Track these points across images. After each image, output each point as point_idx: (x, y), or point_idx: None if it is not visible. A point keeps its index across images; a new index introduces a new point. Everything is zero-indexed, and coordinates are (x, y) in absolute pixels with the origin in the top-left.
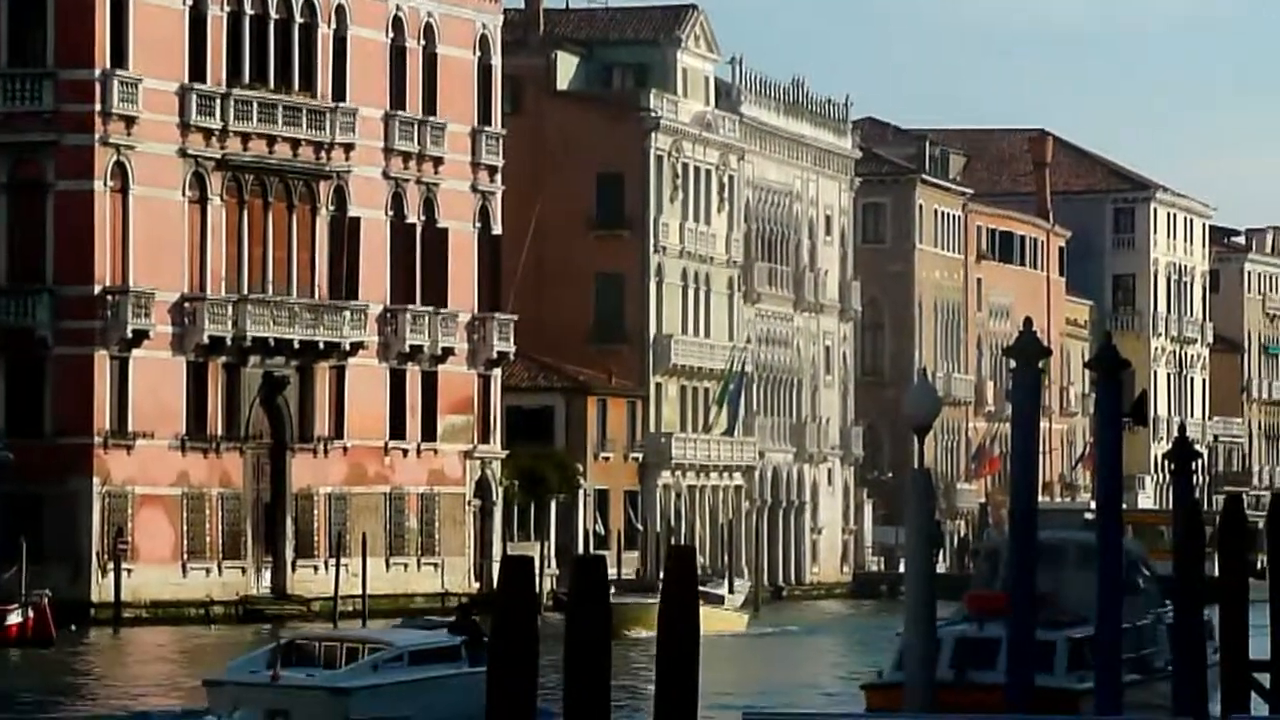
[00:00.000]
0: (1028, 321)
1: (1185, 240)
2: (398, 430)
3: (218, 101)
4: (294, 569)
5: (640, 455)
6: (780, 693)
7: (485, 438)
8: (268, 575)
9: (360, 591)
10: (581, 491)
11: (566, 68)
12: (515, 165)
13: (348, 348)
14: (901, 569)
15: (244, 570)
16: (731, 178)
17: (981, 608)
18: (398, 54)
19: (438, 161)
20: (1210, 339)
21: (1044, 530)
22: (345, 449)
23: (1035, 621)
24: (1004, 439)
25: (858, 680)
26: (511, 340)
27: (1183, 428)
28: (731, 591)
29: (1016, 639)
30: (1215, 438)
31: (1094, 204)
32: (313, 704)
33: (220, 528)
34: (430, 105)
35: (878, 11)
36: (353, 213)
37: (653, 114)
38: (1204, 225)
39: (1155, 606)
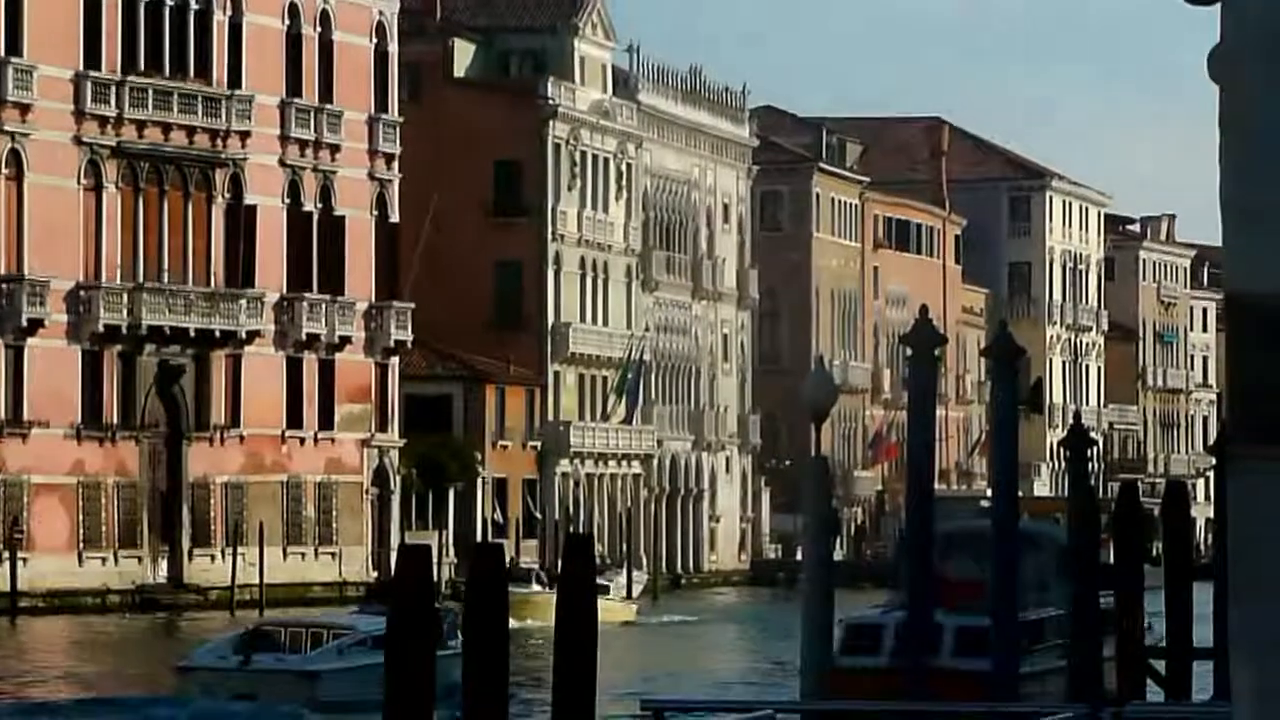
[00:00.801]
0: (924, 309)
1: (1081, 228)
2: (295, 419)
3: (113, 89)
4: (191, 558)
5: (539, 444)
6: (678, 680)
7: (383, 426)
8: (164, 564)
9: (257, 581)
10: (480, 480)
11: (464, 55)
12: (413, 153)
13: (244, 336)
14: (799, 557)
15: (140, 560)
16: (629, 166)
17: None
18: (294, 41)
19: (334, 149)
20: (1105, 327)
21: (978, 520)
22: (242, 438)
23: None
24: (901, 427)
25: (761, 667)
26: (409, 328)
27: (1078, 415)
28: (629, 581)
29: (912, 625)
30: (1110, 425)
31: (990, 193)
32: (282, 687)
33: (116, 517)
34: (327, 93)
35: (775, 0)
36: (249, 200)
37: (550, 102)
38: (1099, 214)
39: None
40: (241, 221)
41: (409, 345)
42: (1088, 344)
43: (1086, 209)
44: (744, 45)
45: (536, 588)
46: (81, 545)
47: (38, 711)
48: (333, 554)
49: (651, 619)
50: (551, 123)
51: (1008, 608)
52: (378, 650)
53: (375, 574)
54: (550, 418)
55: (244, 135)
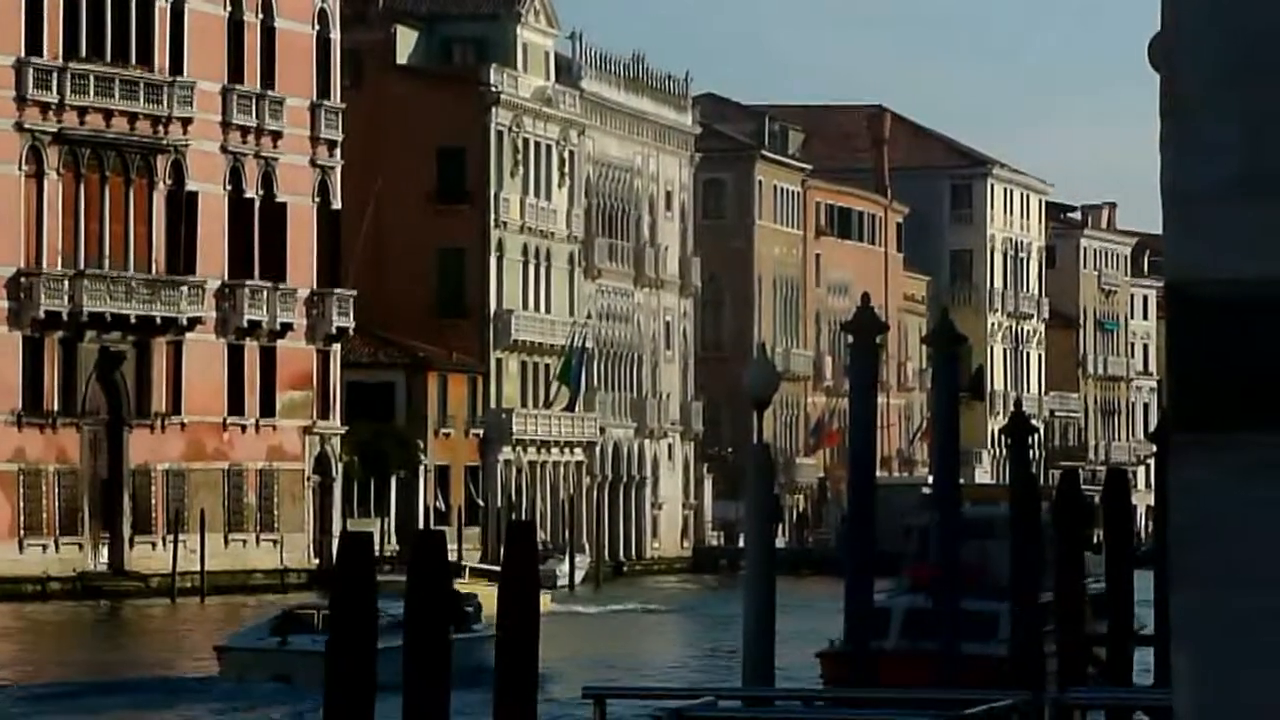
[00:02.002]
0: (865, 297)
1: (1022, 216)
2: (236, 406)
3: (54, 75)
4: (132, 545)
5: (481, 431)
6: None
7: (325, 414)
8: (105, 552)
9: (199, 568)
10: (422, 468)
11: (406, 42)
12: (355, 140)
13: (185, 323)
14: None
15: (81, 547)
16: (572, 153)
17: (925, 580)
18: (236, 28)
19: (276, 136)
20: (1046, 314)
21: (972, 507)
22: (183, 425)
23: (978, 593)
24: (843, 414)
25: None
26: (351, 316)
27: (1019, 403)
28: (572, 568)
29: (850, 609)
30: (1051, 413)
31: (932, 180)
32: (317, 667)
33: (57, 504)
34: (269, 79)
35: None
36: (190, 187)
37: (493, 89)
38: (1040, 201)
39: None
40: (183, 208)
41: (351, 332)
42: (1029, 331)
43: (1028, 197)
44: (688, 33)
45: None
46: (22, 532)
47: (59, 694)
48: (274, 541)
49: (578, 608)
50: (494, 110)
51: (950, 595)
52: None
53: (317, 561)
54: (493, 405)
55: (185, 122)
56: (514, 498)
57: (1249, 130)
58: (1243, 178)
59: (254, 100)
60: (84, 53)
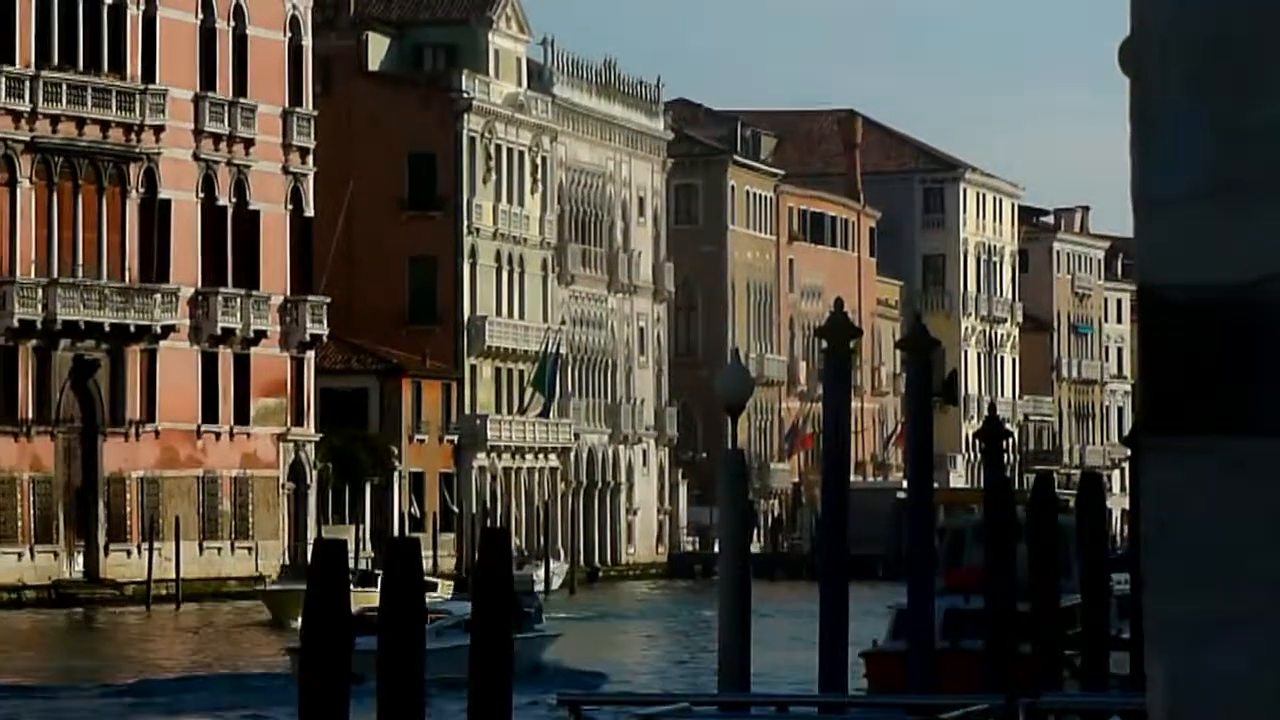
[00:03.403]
0: (839, 302)
1: (994, 220)
2: (210, 414)
3: (26, 84)
4: (106, 553)
5: (455, 437)
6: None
7: (299, 420)
8: (80, 559)
9: (174, 575)
10: (396, 474)
11: (377, 48)
12: (327, 147)
13: (159, 331)
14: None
15: (56, 555)
16: (544, 159)
17: (961, 583)
18: (208, 35)
19: (248, 143)
20: (1020, 318)
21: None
22: (157, 433)
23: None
24: (816, 419)
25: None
26: (325, 322)
27: (993, 407)
28: (547, 574)
29: (823, 611)
30: (1026, 417)
31: (904, 184)
32: None
33: (32, 512)
34: (241, 87)
35: None
36: (163, 195)
37: (464, 95)
38: (1013, 205)
39: None
40: (156, 216)
41: (324, 339)
42: (1002, 335)
43: (1000, 200)
44: (659, 38)
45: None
46: None
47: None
48: (249, 548)
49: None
50: (466, 116)
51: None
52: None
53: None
54: (467, 411)
55: (158, 130)
56: (489, 504)
57: (1217, 133)
58: (1211, 181)
59: (226, 107)
60: (56, 61)
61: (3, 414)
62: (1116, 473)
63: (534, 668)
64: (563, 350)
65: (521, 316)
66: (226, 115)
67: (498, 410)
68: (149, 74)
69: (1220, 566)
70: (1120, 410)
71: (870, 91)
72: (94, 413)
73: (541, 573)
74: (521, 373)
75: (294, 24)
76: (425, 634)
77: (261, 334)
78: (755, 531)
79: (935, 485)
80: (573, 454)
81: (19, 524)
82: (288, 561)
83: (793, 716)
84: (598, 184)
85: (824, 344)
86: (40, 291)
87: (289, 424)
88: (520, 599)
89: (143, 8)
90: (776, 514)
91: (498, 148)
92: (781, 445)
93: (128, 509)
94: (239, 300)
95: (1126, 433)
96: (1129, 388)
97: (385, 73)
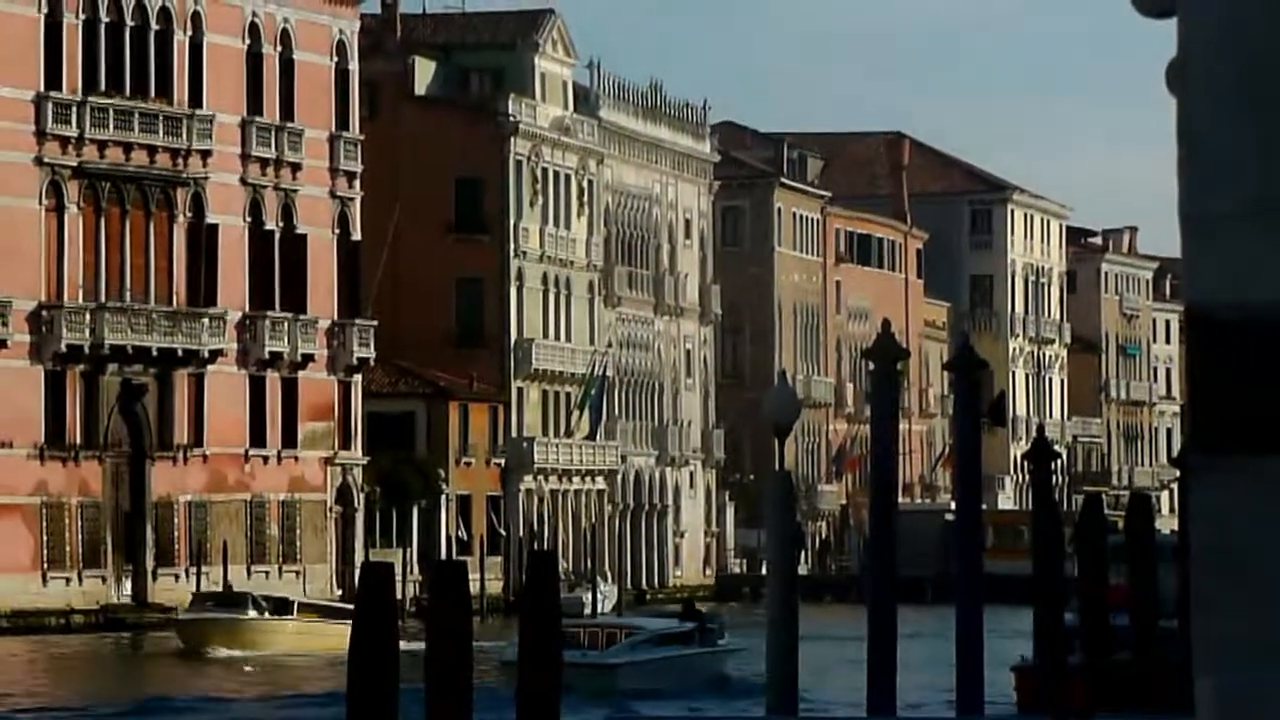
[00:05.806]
0: (886, 323)
1: (1042, 241)
2: (258, 437)
3: (74, 109)
4: (155, 577)
5: (502, 460)
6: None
7: (346, 444)
8: (128, 584)
9: None
10: (444, 497)
11: (424, 72)
12: (373, 171)
13: (206, 355)
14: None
15: (104, 579)
16: (591, 182)
17: (1115, 600)
18: (254, 60)
19: (295, 168)
20: (1068, 339)
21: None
22: (205, 457)
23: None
24: (864, 440)
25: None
26: (372, 346)
27: (1041, 428)
28: (595, 597)
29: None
30: (1074, 438)
31: (951, 206)
32: (588, 678)
33: (80, 537)
34: (288, 111)
35: (735, 15)
36: (210, 219)
37: (511, 118)
38: (1060, 226)
39: None
40: (203, 240)
41: (371, 363)
42: (1050, 357)
43: (1048, 221)
44: (706, 61)
45: (253, 613)
46: (45, 565)
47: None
48: (297, 572)
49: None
50: (512, 139)
51: (975, 616)
52: (661, 647)
53: (339, 592)
54: (514, 434)
55: (205, 154)
56: (536, 527)
57: (1263, 154)
58: (1257, 200)
59: (273, 132)
60: (103, 86)
61: (51, 439)
62: (1165, 494)
63: (720, 679)
64: (609, 373)
65: (568, 339)
66: (273, 140)
67: (544, 433)
68: (196, 99)
69: (1269, 585)
70: (1169, 431)
71: (917, 113)
72: (142, 437)
73: (590, 596)
74: (568, 395)
75: (340, 49)
76: (619, 649)
77: (309, 358)
78: (803, 554)
79: (984, 507)
80: (620, 476)
81: (67, 549)
82: (338, 590)
83: None
84: (644, 206)
85: (871, 365)
86: (88, 316)
87: (336, 447)
88: (705, 616)
89: (189, 33)
90: (824, 536)
91: (544, 171)
92: (829, 467)
93: (175, 533)
94: (286, 324)
95: (1175, 454)
96: (1177, 409)
97: (432, 97)
